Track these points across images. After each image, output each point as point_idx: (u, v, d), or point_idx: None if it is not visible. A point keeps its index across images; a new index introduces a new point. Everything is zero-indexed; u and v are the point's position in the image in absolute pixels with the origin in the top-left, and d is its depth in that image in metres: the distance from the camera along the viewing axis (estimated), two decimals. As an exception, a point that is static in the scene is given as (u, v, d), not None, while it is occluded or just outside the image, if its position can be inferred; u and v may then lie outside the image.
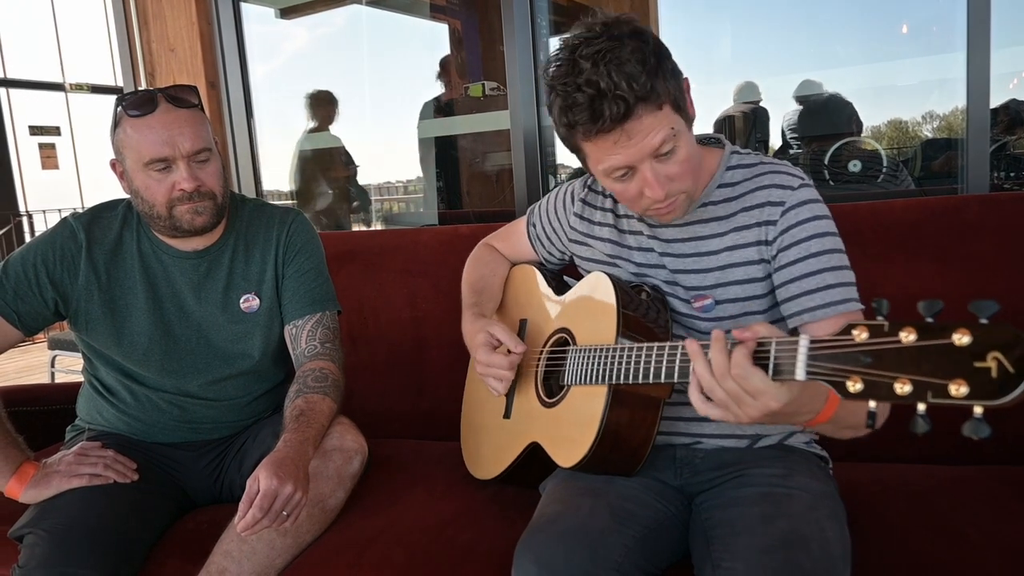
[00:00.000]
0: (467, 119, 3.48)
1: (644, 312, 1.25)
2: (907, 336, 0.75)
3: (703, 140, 1.32)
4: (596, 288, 1.31)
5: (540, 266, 1.57)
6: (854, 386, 0.79)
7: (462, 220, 3.72)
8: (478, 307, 1.52)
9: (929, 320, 0.74)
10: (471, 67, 4.18)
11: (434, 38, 4.36)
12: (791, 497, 1.14)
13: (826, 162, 2.81)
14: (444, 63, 4.09)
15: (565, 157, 3.23)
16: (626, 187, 1.18)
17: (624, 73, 1.07)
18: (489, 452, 1.51)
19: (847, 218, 1.29)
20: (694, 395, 0.98)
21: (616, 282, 1.27)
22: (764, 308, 1.26)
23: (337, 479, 1.44)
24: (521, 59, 2.42)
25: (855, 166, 2.76)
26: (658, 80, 1.09)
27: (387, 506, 1.50)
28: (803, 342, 0.87)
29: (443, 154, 3.91)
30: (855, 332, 0.80)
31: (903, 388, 0.75)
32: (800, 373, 0.86)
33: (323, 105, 3.99)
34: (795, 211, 1.20)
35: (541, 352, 1.41)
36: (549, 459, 1.32)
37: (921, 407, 0.74)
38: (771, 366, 0.91)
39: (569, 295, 1.41)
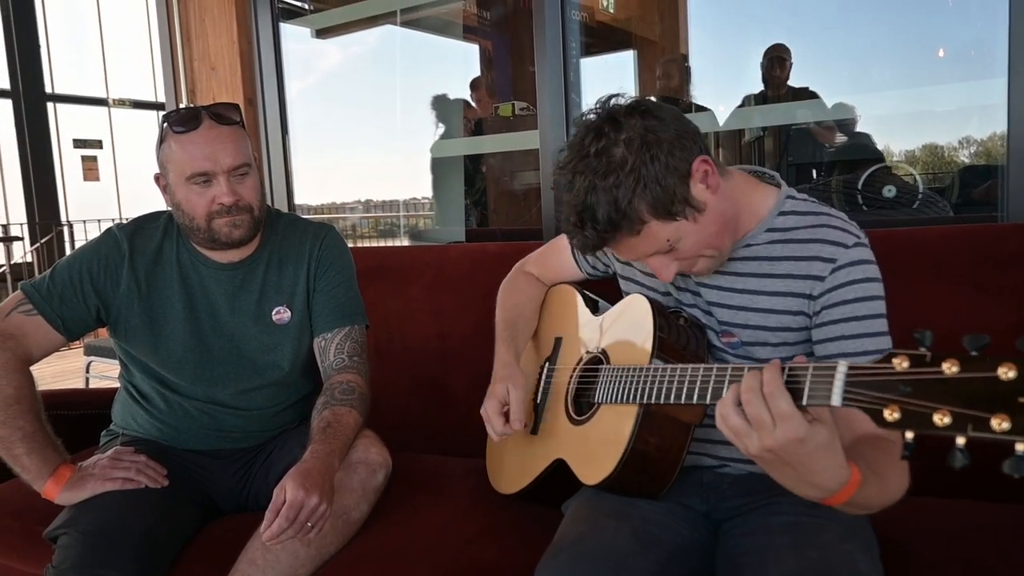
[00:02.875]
0: (496, 138, 3.52)
1: (679, 337, 1.25)
2: (950, 367, 0.74)
3: (758, 175, 1.30)
4: (633, 310, 1.31)
5: (580, 287, 1.57)
6: (891, 415, 0.78)
7: (489, 237, 3.74)
8: (513, 341, 1.52)
9: (974, 354, 0.73)
10: (501, 87, 4.22)
11: (466, 58, 4.42)
12: (822, 527, 1.11)
13: (859, 187, 2.78)
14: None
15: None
16: (649, 262, 1.21)
17: (593, 223, 1.11)
18: (513, 467, 1.51)
19: (881, 244, 1.25)
20: (719, 409, 0.96)
21: (654, 305, 1.27)
22: (791, 356, 1.22)
23: (361, 492, 1.46)
24: (551, 80, 2.44)
25: (889, 192, 2.73)
26: (634, 210, 1.09)
27: (410, 520, 1.51)
28: (841, 368, 0.86)
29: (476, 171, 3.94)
30: (896, 361, 0.79)
31: (942, 419, 0.73)
32: (836, 399, 0.85)
33: (456, 112, 4.02)
34: (846, 271, 1.17)
35: (574, 371, 1.42)
36: (573, 478, 1.32)
37: (960, 440, 0.73)
38: (806, 390, 0.89)
39: (606, 316, 1.42)
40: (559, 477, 1.36)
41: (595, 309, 1.48)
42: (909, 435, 0.77)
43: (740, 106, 3.27)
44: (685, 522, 1.22)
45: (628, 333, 1.30)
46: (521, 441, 1.50)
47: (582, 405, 1.38)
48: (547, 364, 1.52)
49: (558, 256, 1.62)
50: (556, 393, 1.44)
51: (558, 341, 1.52)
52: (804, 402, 0.89)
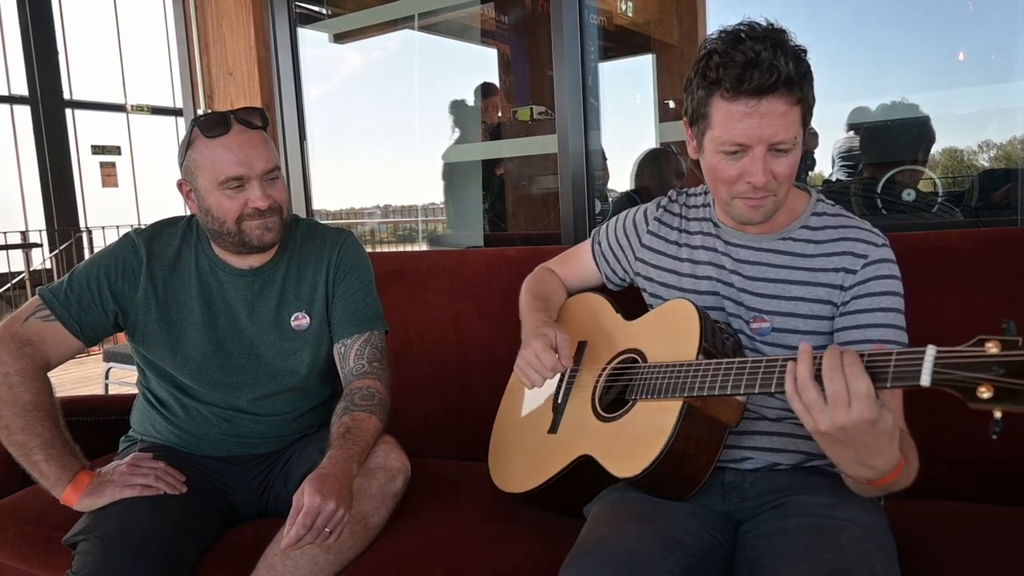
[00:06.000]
0: (514, 143, 3.51)
1: (724, 343, 1.27)
2: None
3: None
4: (677, 313, 1.33)
5: (607, 295, 1.57)
6: (985, 393, 0.84)
7: (508, 242, 3.74)
8: (546, 312, 1.53)
9: None
10: (519, 91, 4.22)
11: (484, 63, 4.42)
12: (839, 529, 1.12)
13: (879, 191, 2.76)
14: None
15: (613, 182, 3.23)
16: (730, 165, 1.23)
17: (785, 54, 1.15)
18: (526, 465, 1.50)
19: (901, 248, 1.30)
20: (798, 381, 1.00)
21: (699, 309, 1.29)
22: (820, 346, 1.24)
23: (380, 497, 1.45)
24: (570, 84, 2.44)
25: (909, 195, 2.71)
26: (806, 83, 1.19)
27: (429, 525, 1.50)
28: (930, 350, 0.91)
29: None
30: (988, 345, 0.85)
31: None
32: (926, 379, 0.90)
33: (473, 117, 4.01)
34: (876, 266, 1.26)
35: (603, 370, 1.42)
36: (590, 481, 1.32)
37: None
38: (890, 372, 0.94)
39: (644, 319, 1.42)
40: (577, 477, 1.36)
41: (626, 315, 1.48)
42: (997, 414, 0.82)
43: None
44: (707, 525, 1.22)
45: (669, 335, 1.31)
46: (537, 440, 1.49)
47: (611, 403, 1.37)
48: None
49: (579, 263, 1.66)
50: (580, 392, 1.44)
51: (581, 345, 1.52)
52: (889, 384, 0.94)
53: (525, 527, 1.47)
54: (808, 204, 1.36)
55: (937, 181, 2.91)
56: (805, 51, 1.19)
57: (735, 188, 1.25)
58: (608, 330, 1.49)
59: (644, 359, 1.34)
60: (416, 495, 1.58)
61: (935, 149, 3.08)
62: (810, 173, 3.44)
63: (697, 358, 1.21)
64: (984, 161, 3.04)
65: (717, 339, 1.26)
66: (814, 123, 1.30)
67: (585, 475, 1.34)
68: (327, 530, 1.26)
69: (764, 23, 1.19)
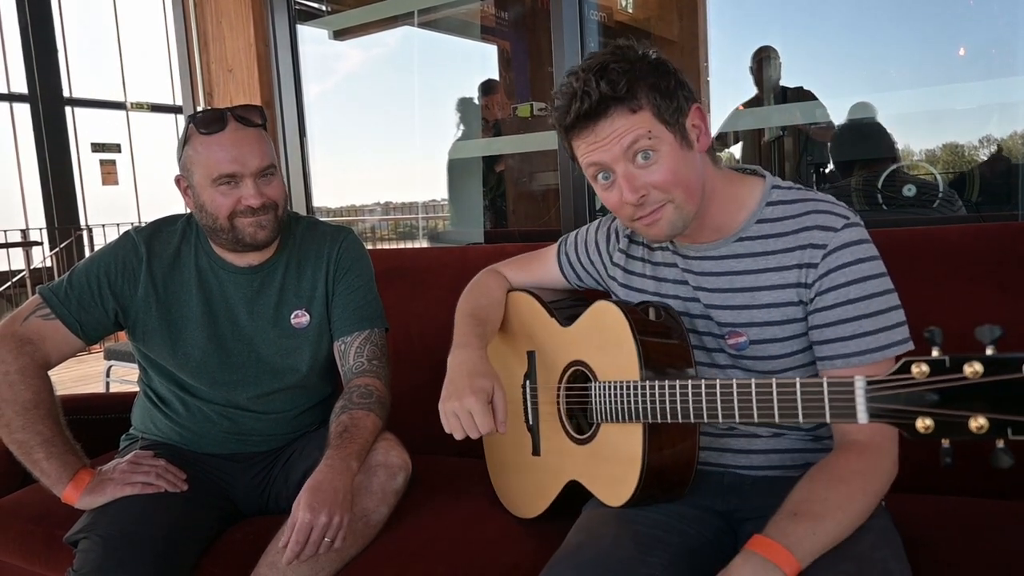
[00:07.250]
0: (514, 139, 3.51)
1: (660, 333, 1.21)
2: (973, 372, 0.73)
3: (741, 171, 1.28)
4: (606, 318, 1.27)
5: (537, 295, 1.51)
6: (924, 427, 0.78)
7: (508, 239, 3.73)
8: (483, 338, 1.42)
9: (990, 350, 0.73)
10: (519, 88, 4.22)
11: (484, 59, 4.42)
12: (854, 538, 1.08)
13: (879, 186, 2.76)
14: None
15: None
16: (609, 194, 1.18)
17: (603, 76, 1.12)
18: (525, 492, 1.49)
19: (901, 244, 1.26)
20: None
21: (625, 308, 1.24)
22: (804, 347, 1.20)
23: (381, 495, 1.45)
24: (570, 80, 2.43)
25: (909, 191, 2.71)
26: (640, 87, 1.12)
27: (430, 523, 1.50)
28: (858, 382, 0.86)
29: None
30: (915, 370, 0.78)
31: (979, 426, 0.74)
32: (862, 415, 0.85)
33: (475, 114, 4.02)
34: (836, 254, 1.14)
35: (559, 387, 1.39)
36: (585, 494, 1.31)
37: (1000, 442, 0.73)
38: (827, 408, 0.90)
39: (577, 326, 1.36)
40: (575, 494, 1.35)
41: (561, 318, 1.42)
42: (945, 443, 0.77)
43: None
44: (695, 523, 1.21)
45: (608, 343, 1.26)
46: (525, 464, 1.48)
47: (578, 422, 1.36)
48: (527, 382, 1.48)
49: (543, 267, 1.57)
50: (547, 411, 1.41)
51: (531, 355, 1.48)
52: (828, 419, 0.90)
53: (526, 526, 1.47)
54: (761, 194, 1.23)
55: (938, 176, 2.91)
56: (648, 59, 1.15)
57: (624, 212, 1.19)
58: (550, 338, 1.43)
59: (593, 373, 1.30)
60: (417, 492, 1.58)
61: (935, 144, 3.08)
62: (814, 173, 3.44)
63: (642, 373, 1.16)
64: (984, 156, 3.04)
65: (654, 334, 1.20)
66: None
67: (580, 493, 1.33)
68: (327, 540, 1.27)
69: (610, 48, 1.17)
